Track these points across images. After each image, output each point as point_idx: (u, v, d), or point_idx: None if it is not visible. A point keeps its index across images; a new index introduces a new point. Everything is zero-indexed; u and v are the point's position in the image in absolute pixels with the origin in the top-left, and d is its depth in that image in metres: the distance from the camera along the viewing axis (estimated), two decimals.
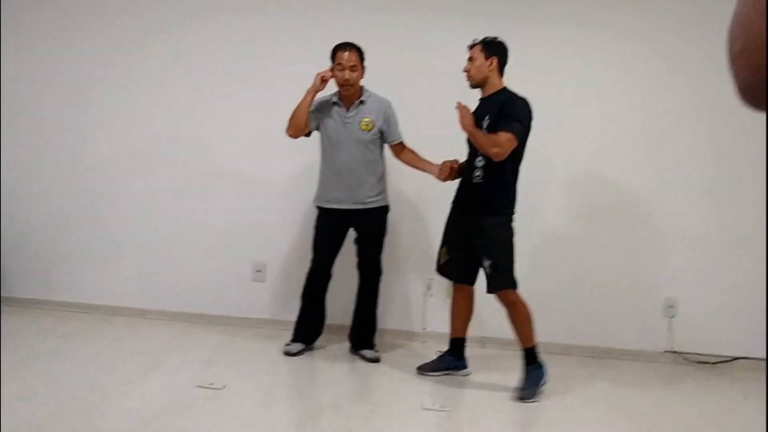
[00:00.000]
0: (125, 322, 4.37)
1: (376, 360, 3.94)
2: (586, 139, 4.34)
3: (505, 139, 3.33)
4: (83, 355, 3.65)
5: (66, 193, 4.60)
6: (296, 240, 4.41)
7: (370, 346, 4.02)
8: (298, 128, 3.78)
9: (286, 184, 4.48)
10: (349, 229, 3.95)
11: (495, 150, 3.34)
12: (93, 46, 4.56)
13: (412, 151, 3.97)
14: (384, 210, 3.97)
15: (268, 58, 4.47)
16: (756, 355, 4.31)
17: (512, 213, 3.52)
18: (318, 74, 3.72)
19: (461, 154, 3.68)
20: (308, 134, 3.90)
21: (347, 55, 3.74)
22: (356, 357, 3.98)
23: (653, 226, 4.38)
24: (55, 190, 4.61)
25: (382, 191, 3.95)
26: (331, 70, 3.77)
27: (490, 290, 3.47)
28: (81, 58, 4.56)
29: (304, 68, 4.37)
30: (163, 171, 4.54)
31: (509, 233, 3.50)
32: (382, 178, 3.95)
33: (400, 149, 3.98)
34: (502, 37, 3.54)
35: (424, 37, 4.39)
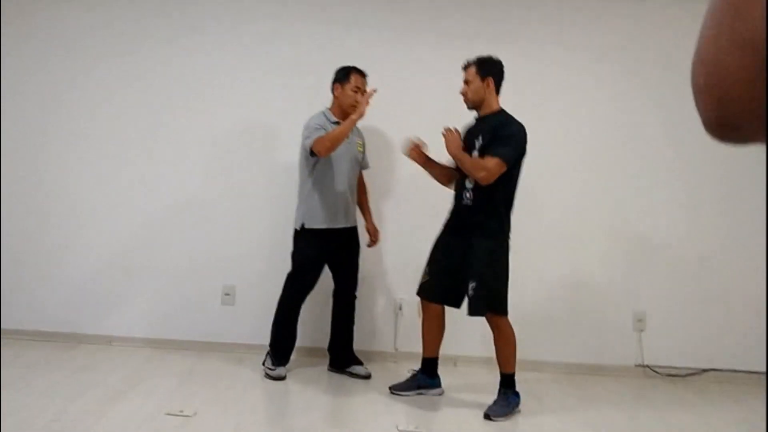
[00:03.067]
0: (90, 350, 4.27)
1: (368, 376, 3.97)
2: (553, 155, 4.39)
3: (492, 164, 3.33)
4: (47, 384, 3.54)
5: (26, 218, 4.49)
6: (265, 263, 4.36)
7: (360, 362, 4.05)
8: (333, 150, 3.73)
9: (254, 207, 4.44)
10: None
11: (482, 174, 3.35)
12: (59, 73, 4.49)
13: (365, 186, 4.18)
14: (357, 229, 4.07)
15: (236, 80, 4.45)
16: (724, 367, 4.37)
17: (506, 237, 3.49)
18: (364, 103, 3.66)
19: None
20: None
21: (364, 80, 3.88)
22: (330, 377, 3.96)
23: (622, 242, 4.43)
24: (16, 215, 4.50)
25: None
26: (336, 89, 3.88)
27: (470, 313, 3.45)
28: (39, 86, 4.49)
29: (272, 92, 4.38)
30: (130, 195, 4.47)
31: (500, 258, 3.47)
32: None
33: (360, 179, 4.14)
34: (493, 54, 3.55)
35: (403, 56, 4.42)
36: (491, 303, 3.43)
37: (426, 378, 3.75)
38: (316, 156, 3.74)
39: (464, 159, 3.41)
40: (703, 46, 0.58)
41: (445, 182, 3.72)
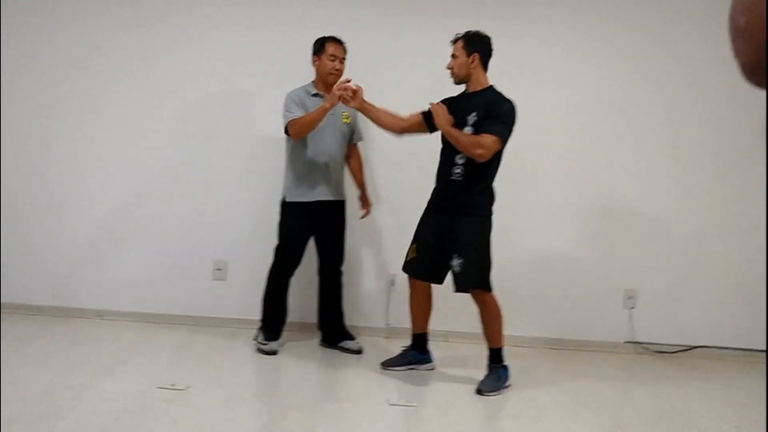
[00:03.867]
0: (81, 324, 4.26)
1: (360, 351, 3.98)
2: (543, 130, 4.38)
3: (490, 141, 3.31)
4: (38, 359, 3.53)
5: (14, 193, 4.45)
6: (257, 237, 4.34)
7: (351, 336, 4.07)
8: (304, 135, 3.73)
9: (245, 181, 4.42)
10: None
11: (480, 151, 3.32)
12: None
13: (360, 158, 4.13)
14: (344, 203, 4.06)
15: (218, 56, 4.40)
16: (713, 344, 4.41)
17: (490, 214, 3.49)
18: (344, 87, 3.54)
19: (434, 152, 3.62)
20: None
21: (340, 47, 3.83)
22: (322, 352, 3.97)
23: (612, 219, 4.44)
24: (3, 191, 4.46)
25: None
26: (314, 61, 3.85)
27: (456, 289, 3.46)
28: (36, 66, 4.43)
29: (260, 64, 4.34)
30: (120, 170, 4.43)
31: (485, 234, 3.47)
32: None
33: (354, 151, 4.09)
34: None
35: (396, 33, 4.38)
36: (477, 279, 3.44)
37: (417, 354, 3.77)
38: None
39: (459, 135, 3.38)
40: None
41: (395, 129, 3.65)
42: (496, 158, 3.41)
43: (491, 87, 3.48)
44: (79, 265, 4.46)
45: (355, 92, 3.55)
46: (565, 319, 4.46)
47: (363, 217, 4.15)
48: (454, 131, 3.39)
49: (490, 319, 3.50)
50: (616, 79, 4.41)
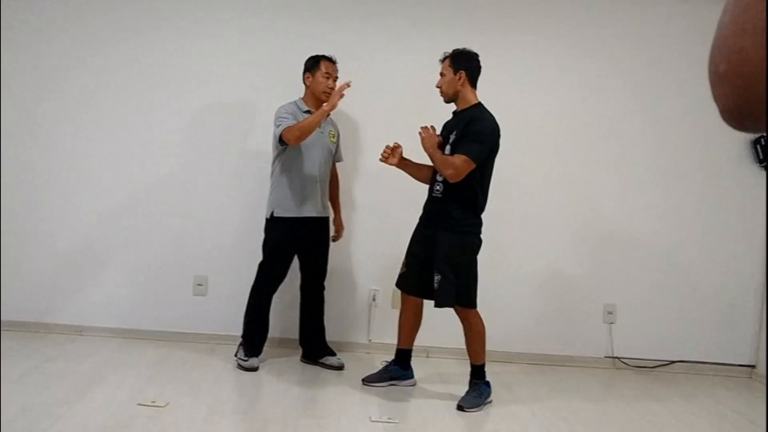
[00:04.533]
0: (60, 339, 4.21)
1: (341, 367, 3.97)
2: (526, 148, 4.40)
3: (459, 162, 3.34)
4: (14, 375, 3.48)
5: None
6: (237, 252, 4.33)
7: (333, 352, 4.06)
8: (302, 140, 3.71)
9: (226, 196, 4.41)
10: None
11: (449, 171, 3.36)
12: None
13: (338, 179, 4.16)
14: (329, 220, 4.07)
15: (208, 69, 4.40)
16: (692, 359, 4.45)
17: (473, 231, 3.50)
18: (337, 95, 3.61)
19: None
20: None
21: (334, 66, 3.87)
22: (303, 368, 3.97)
23: (593, 235, 4.48)
24: None
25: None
26: (306, 78, 3.88)
27: (436, 305, 3.48)
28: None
29: (244, 80, 4.34)
30: (100, 184, 4.40)
31: (467, 251, 3.48)
32: None
33: (334, 171, 4.11)
34: (468, 46, 3.55)
35: (381, 44, 4.40)
36: (457, 296, 3.46)
37: (399, 369, 3.77)
38: (286, 144, 3.73)
39: (435, 156, 3.44)
40: (724, 34, 0.57)
41: (424, 179, 3.71)
42: (476, 176, 3.42)
43: (477, 104, 3.50)
44: (57, 279, 4.41)
45: (394, 150, 3.59)
46: (545, 334, 4.48)
47: (335, 240, 4.16)
48: (433, 152, 3.44)
49: (474, 335, 3.52)
50: (600, 98, 4.46)
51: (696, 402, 3.86)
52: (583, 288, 4.49)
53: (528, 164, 4.43)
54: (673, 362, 4.46)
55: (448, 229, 3.47)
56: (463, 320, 3.52)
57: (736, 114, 0.58)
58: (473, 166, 3.36)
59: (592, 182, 4.47)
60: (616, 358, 4.47)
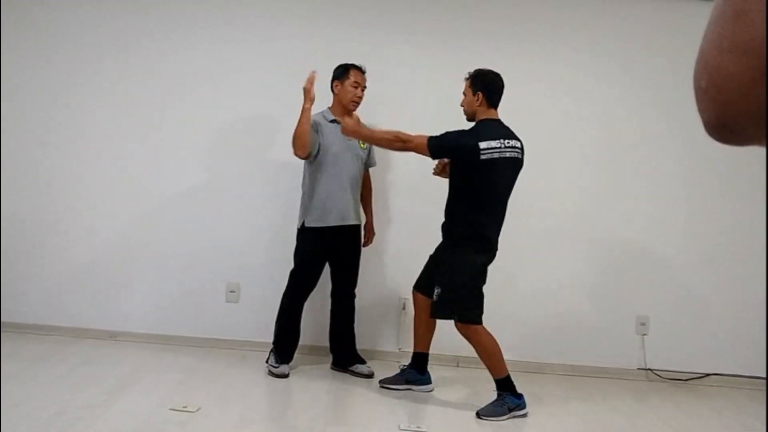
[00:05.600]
0: (93, 344, 4.27)
1: (371, 375, 3.96)
2: (557, 160, 4.39)
3: (414, 137, 3.40)
4: (49, 379, 3.54)
5: (27, 211, 4.49)
6: (270, 260, 4.37)
7: (362, 360, 4.06)
8: (305, 146, 3.74)
9: (260, 204, 4.45)
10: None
11: (398, 144, 3.45)
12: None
13: (370, 185, 4.19)
14: (360, 227, 4.08)
15: (240, 75, 4.45)
16: (726, 372, 4.37)
17: (476, 249, 3.46)
18: (308, 87, 3.71)
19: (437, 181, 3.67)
20: (312, 155, 3.85)
21: (363, 76, 3.90)
22: (333, 375, 3.98)
23: (625, 246, 4.43)
24: (18, 209, 4.49)
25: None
26: (335, 86, 3.90)
27: (431, 315, 3.56)
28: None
29: (279, 89, 4.38)
30: (133, 191, 4.47)
31: (466, 269, 3.46)
32: None
33: (366, 176, 4.13)
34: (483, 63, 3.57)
35: (406, 54, 4.42)
36: (454, 310, 3.46)
37: (415, 373, 3.77)
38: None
39: (375, 132, 3.62)
40: (705, 49, 0.59)
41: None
42: (470, 188, 3.42)
43: (479, 120, 3.48)
44: (91, 286, 4.49)
45: (444, 165, 3.65)
46: (578, 345, 4.43)
47: (365, 245, 4.17)
48: (366, 130, 3.56)
49: (483, 355, 3.48)
50: (630, 109, 4.42)
51: (730, 416, 3.79)
52: (616, 299, 4.44)
53: (558, 175, 4.41)
54: (707, 375, 4.39)
55: (449, 243, 3.55)
56: (468, 340, 3.48)
57: (717, 128, 0.60)
58: (422, 149, 3.38)
59: (626, 195, 4.42)
60: (649, 369, 4.41)
